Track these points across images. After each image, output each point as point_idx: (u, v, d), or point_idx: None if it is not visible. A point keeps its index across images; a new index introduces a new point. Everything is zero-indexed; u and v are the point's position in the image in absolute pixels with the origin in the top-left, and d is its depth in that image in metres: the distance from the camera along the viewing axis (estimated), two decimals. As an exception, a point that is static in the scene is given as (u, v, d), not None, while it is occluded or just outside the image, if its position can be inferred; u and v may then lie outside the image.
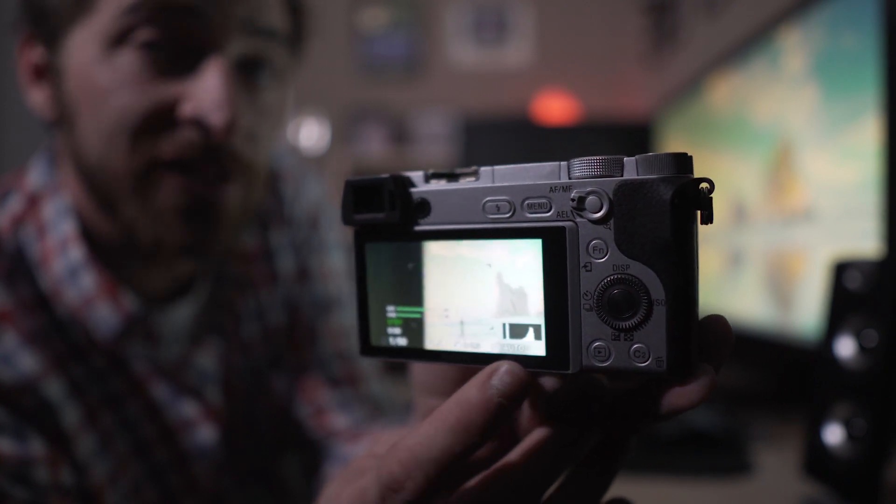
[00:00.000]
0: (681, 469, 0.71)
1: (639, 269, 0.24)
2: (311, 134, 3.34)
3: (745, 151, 1.05)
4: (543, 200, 0.26)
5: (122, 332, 0.57)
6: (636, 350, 0.24)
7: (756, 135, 1.01)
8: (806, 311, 0.82)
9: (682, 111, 1.37)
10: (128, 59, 0.50)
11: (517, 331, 0.27)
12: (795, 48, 0.89)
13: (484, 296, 0.27)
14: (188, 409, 0.62)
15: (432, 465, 0.25)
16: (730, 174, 1.11)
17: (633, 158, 0.25)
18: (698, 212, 0.24)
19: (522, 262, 0.26)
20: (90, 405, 0.56)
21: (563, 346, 0.26)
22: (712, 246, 1.18)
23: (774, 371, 1.08)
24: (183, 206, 0.52)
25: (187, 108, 0.51)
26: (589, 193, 0.25)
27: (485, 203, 0.27)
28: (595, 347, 0.25)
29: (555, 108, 3.10)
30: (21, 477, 0.50)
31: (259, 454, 0.71)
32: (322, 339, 0.72)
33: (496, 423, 0.25)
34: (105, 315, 0.56)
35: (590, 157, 0.25)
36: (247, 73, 0.54)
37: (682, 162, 0.24)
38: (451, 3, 3.32)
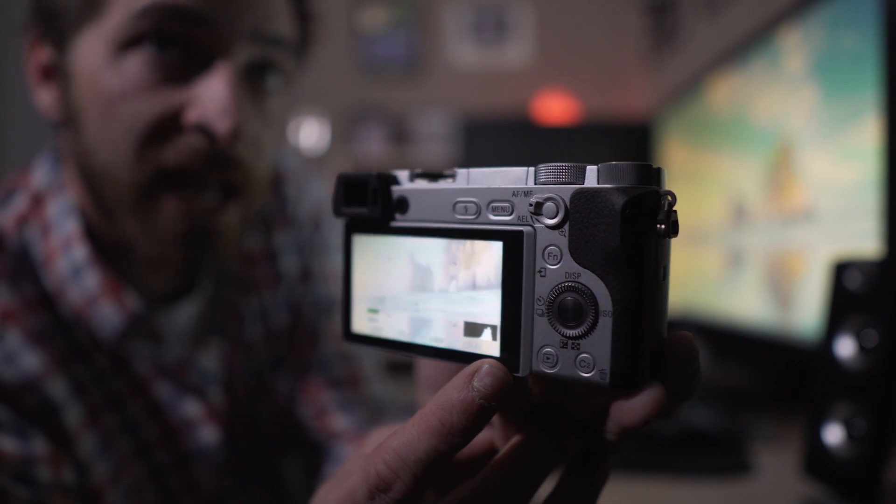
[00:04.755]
0: (681, 469, 0.71)
1: (589, 279, 0.24)
2: (311, 134, 3.34)
3: (745, 151, 1.05)
4: (506, 204, 0.26)
5: (126, 332, 0.57)
6: (582, 360, 0.24)
7: (756, 135, 1.01)
8: (806, 311, 0.82)
9: (682, 111, 1.37)
10: (135, 65, 0.50)
11: (475, 329, 0.27)
12: (795, 48, 0.89)
13: (450, 292, 0.28)
14: (190, 409, 0.62)
15: (419, 465, 0.25)
16: (730, 174, 1.11)
17: (595, 167, 0.25)
18: (657, 225, 0.24)
19: (490, 263, 0.27)
20: (92, 405, 0.56)
21: (515, 348, 0.26)
22: (712, 246, 1.18)
23: (774, 371, 1.08)
24: (181, 232, 0.52)
25: (193, 115, 0.51)
26: (547, 199, 0.25)
27: (455, 203, 0.28)
28: (544, 353, 0.25)
29: (555, 108, 3.10)
30: (23, 475, 0.50)
31: (260, 455, 0.71)
32: (324, 340, 0.72)
33: (478, 424, 0.25)
34: (108, 314, 0.56)
35: (555, 164, 0.26)
36: (253, 79, 0.54)
37: (645, 172, 0.24)
38: (451, 3, 3.32)
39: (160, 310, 0.60)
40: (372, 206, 0.30)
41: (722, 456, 0.74)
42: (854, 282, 0.57)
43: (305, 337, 0.72)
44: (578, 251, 0.24)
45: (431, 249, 0.29)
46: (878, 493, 0.53)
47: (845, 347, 0.57)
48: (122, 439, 0.58)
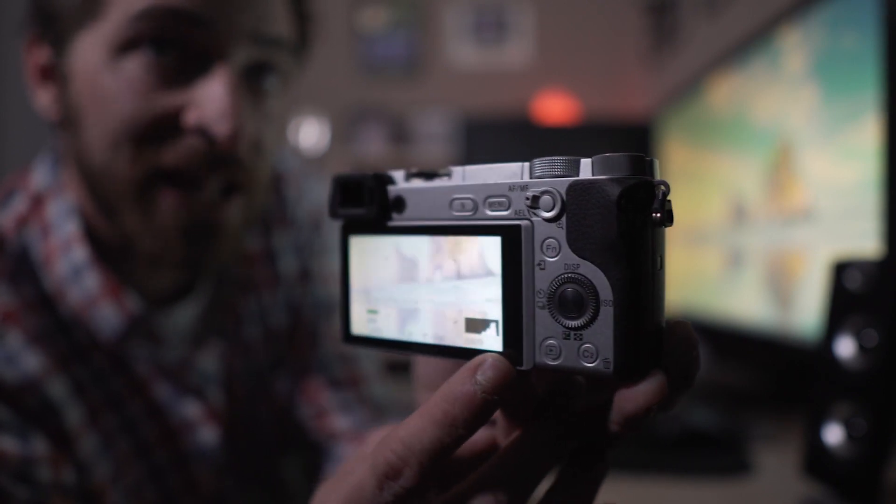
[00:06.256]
0: (681, 469, 0.71)
1: (588, 269, 0.24)
2: (311, 134, 3.34)
3: (745, 151, 1.05)
4: (503, 199, 0.27)
5: (125, 333, 0.57)
6: (585, 350, 0.25)
7: (756, 135, 1.01)
8: (806, 311, 0.82)
9: (682, 111, 1.37)
10: (133, 67, 0.50)
11: (478, 325, 0.27)
12: (795, 48, 0.89)
13: (449, 289, 0.28)
14: (190, 410, 0.62)
15: (425, 454, 0.25)
16: (730, 174, 1.11)
17: (589, 159, 0.25)
18: (652, 214, 0.24)
19: (487, 259, 0.27)
20: (92, 405, 0.56)
21: (517, 342, 0.26)
22: (712, 246, 1.18)
23: (774, 371, 1.08)
24: (183, 225, 0.52)
25: (191, 117, 0.50)
26: (543, 193, 0.25)
27: (452, 201, 0.28)
28: (547, 345, 0.26)
29: (555, 108, 3.10)
30: (23, 476, 0.50)
31: (260, 455, 0.71)
32: (323, 341, 0.72)
33: (481, 418, 0.25)
34: (108, 315, 0.56)
35: (550, 158, 0.26)
36: (252, 80, 0.54)
37: (638, 163, 0.24)
38: (451, 3, 3.32)
39: (160, 311, 0.60)
40: (369, 206, 0.30)
41: (722, 456, 0.74)
42: (854, 282, 0.57)
43: (305, 338, 0.72)
44: (576, 243, 0.25)
45: (418, 242, 0.29)
46: (878, 493, 0.53)
47: (845, 347, 0.57)
48: (122, 439, 0.58)
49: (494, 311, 0.27)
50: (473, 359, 0.26)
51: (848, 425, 0.56)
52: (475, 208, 0.27)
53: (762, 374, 1.14)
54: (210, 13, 0.49)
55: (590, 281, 0.24)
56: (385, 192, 0.30)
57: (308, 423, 0.72)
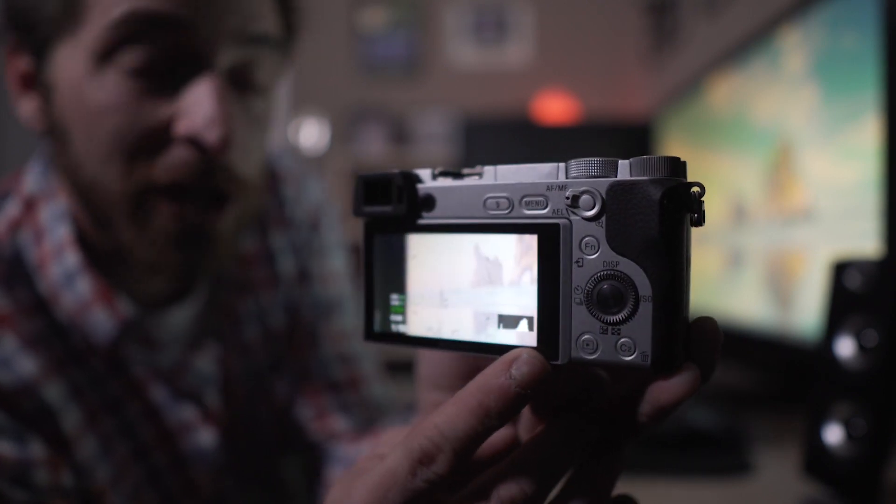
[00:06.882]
0: (681, 469, 0.71)
1: (628, 266, 0.25)
2: (311, 134, 3.34)
3: (745, 151, 1.05)
4: (540, 198, 0.27)
5: (118, 337, 0.57)
6: (623, 344, 0.25)
7: (756, 135, 1.01)
8: (806, 311, 0.82)
9: (682, 111, 1.37)
10: (117, 78, 0.48)
11: (511, 322, 0.28)
12: (795, 48, 0.89)
13: (482, 287, 0.28)
14: (187, 412, 0.62)
15: (459, 442, 0.26)
16: (730, 174, 1.11)
17: (627, 161, 0.26)
18: (689, 214, 0.26)
19: (521, 256, 0.27)
20: (90, 409, 0.56)
21: (553, 337, 0.27)
22: (712, 246, 1.18)
23: (774, 371, 1.08)
24: (176, 233, 0.52)
25: (181, 127, 0.49)
26: (583, 192, 0.26)
27: (486, 199, 0.29)
28: (584, 340, 0.26)
29: (555, 108, 3.10)
30: (21, 479, 0.50)
31: (260, 456, 0.71)
32: (323, 342, 0.72)
33: (514, 410, 0.26)
34: (101, 320, 0.56)
35: (586, 159, 0.26)
36: (239, 80, 0.53)
37: (675, 165, 0.25)
38: (451, 3, 3.32)
39: (155, 314, 0.60)
40: (397, 204, 0.30)
41: (722, 456, 0.74)
42: (854, 282, 0.57)
43: (304, 338, 0.72)
44: (616, 241, 0.25)
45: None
46: (878, 493, 0.53)
47: (845, 347, 0.57)
48: (120, 442, 0.58)
49: (529, 308, 0.27)
50: (509, 352, 0.27)
51: (848, 425, 0.56)
52: (511, 207, 0.28)
53: (762, 374, 1.14)
54: (192, 16, 0.48)
55: (629, 277, 0.25)
56: (414, 189, 0.30)
57: (308, 424, 0.72)
